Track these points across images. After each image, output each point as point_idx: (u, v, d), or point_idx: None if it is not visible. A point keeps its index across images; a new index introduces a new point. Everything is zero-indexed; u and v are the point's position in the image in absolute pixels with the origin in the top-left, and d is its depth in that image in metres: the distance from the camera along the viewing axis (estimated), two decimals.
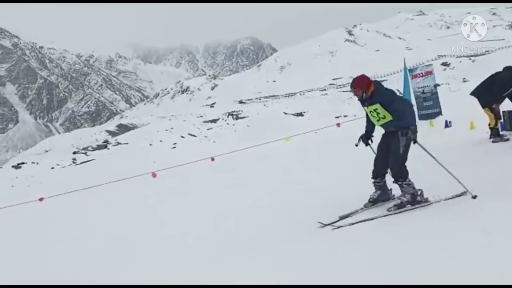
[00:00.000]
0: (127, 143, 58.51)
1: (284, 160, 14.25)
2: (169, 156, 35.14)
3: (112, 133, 76.19)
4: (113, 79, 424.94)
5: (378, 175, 6.15)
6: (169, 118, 71.92)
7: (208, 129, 59.71)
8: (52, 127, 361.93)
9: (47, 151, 71.68)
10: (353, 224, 5.62)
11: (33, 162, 57.42)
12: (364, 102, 6.08)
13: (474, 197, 5.49)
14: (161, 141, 54.75)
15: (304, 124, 40.58)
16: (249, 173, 12.91)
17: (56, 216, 11.63)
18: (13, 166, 56.26)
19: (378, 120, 6.00)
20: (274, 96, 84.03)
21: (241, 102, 79.98)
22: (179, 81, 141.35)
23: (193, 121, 63.59)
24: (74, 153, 60.96)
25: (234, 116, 63.37)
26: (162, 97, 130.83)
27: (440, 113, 16.11)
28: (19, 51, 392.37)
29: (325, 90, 75.25)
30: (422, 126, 14.64)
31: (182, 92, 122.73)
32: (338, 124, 14.28)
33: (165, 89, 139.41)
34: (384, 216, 5.65)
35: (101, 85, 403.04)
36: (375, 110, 5.92)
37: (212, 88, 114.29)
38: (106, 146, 61.85)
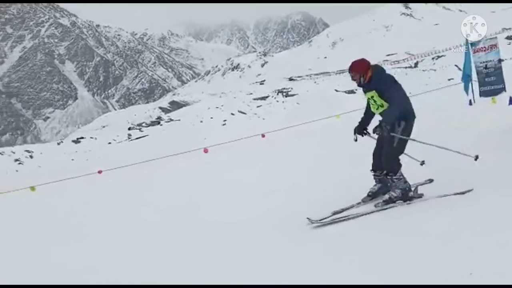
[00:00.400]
0: (179, 120, 59.76)
1: (332, 138, 13.92)
2: (219, 133, 35.53)
3: (165, 110, 78.06)
4: (166, 57, 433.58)
5: (377, 167, 5.74)
6: (219, 95, 72.66)
7: (258, 106, 59.75)
8: (109, 103, 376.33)
9: (104, 127, 74.70)
10: (336, 221, 5.37)
11: (91, 137, 60.01)
12: (363, 88, 5.70)
13: (476, 158, 5.12)
14: (211, 118, 55.46)
15: (356, 102, 39.57)
16: (291, 153, 12.62)
17: (112, 188, 12.14)
18: (73, 141, 59.12)
19: (377, 109, 5.60)
20: (325, 73, 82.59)
21: (291, 79, 79.32)
22: (230, 58, 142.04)
23: (243, 98, 63.81)
24: (129, 129, 63.15)
25: (284, 94, 63.02)
26: (213, 74, 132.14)
27: (504, 89, 15.08)
28: (77, 30, 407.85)
29: None
30: (484, 103, 13.87)
31: (233, 69, 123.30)
32: None
33: (216, 66, 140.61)
34: (378, 211, 5.34)
35: (154, 62, 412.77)
36: (372, 97, 5.56)
37: (262, 65, 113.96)
38: (159, 123, 63.54)
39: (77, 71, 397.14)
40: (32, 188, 9.01)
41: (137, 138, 53.29)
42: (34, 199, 11.66)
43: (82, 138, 60.03)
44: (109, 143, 53.60)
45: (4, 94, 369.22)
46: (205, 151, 10.82)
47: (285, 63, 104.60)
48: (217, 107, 61.31)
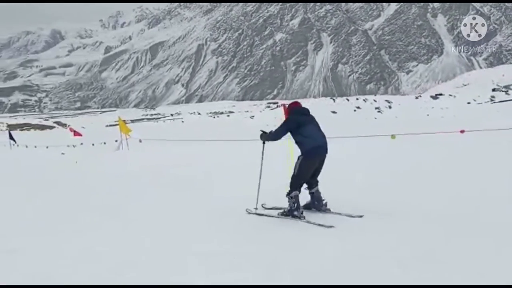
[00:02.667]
0: None
1: None
2: None
3: None
4: None
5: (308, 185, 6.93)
6: None
7: None
8: (474, 61, 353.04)
9: (465, 85, 71.06)
10: (260, 214, 7.00)
11: (450, 95, 58.40)
12: None
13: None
14: None
15: None
16: None
17: (473, 148, 11.51)
18: (431, 96, 59.09)
19: None
20: None
21: None
22: None
23: None
24: (493, 90, 57.82)
25: None
26: None
27: None
28: None
29: None
30: None
31: None
32: None
33: None
34: (277, 217, 6.77)
35: None
36: None
37: None
38: None
39: (448, 25, 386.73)
40: (393, 136, 9.54)
41: (501, 101, 48.37)
42: (393, 146, 12.42)
43: (440, 94, 59.27)
44: (468, 103, 50.92)
45: (375, 46, 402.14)
46: None
47: None
48: None
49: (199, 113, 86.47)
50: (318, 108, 56.95)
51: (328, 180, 6.98)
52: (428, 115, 44.24)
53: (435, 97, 57.13)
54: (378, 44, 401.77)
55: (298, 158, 6.63)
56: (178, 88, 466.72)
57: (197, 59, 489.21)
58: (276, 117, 50.35)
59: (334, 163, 7.11)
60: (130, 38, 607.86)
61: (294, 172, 6.63)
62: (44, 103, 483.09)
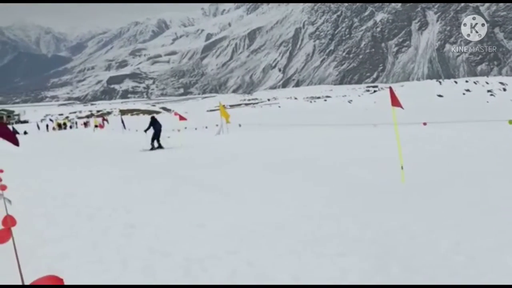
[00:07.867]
0: None
1: None
2: None
3: None
4: None
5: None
6: None
7: None
8: None
9: None
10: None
11: None
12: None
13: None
14: None
15: None
16: None
17: None
18: None
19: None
20: None
21: None
22: None
23: None
24: None
25: None
26: None
27: None
28: None
29: None
30: None
31: None
32: None
33: None
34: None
35: None
36: None
37: None
38: None
39: None
40: (510, 122, 8.74)
41: None
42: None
43: None
44: None
45: (488, 23, 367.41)
46: None
47: None
48: None
49: (295, 98, 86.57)
50: (422, 91, 53.76)
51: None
52: None
53: None
54: (492, 21, 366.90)
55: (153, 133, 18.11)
56: (275, 73, 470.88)
57: (294, 43, 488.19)
58: (376, 102, 48.51)
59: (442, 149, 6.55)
60: (229, 24, 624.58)
61: (152, 137, 18.08)
62: (151, 89, 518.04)
